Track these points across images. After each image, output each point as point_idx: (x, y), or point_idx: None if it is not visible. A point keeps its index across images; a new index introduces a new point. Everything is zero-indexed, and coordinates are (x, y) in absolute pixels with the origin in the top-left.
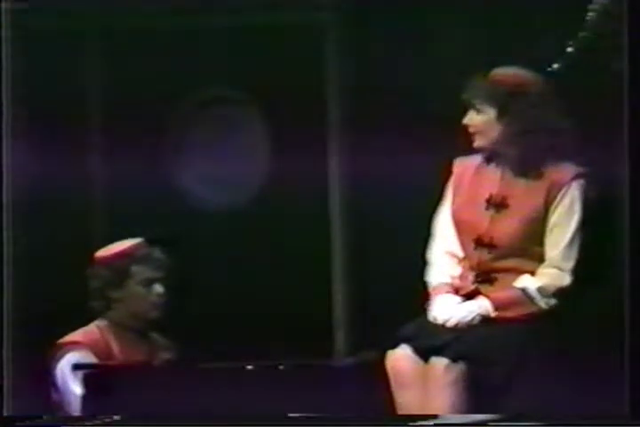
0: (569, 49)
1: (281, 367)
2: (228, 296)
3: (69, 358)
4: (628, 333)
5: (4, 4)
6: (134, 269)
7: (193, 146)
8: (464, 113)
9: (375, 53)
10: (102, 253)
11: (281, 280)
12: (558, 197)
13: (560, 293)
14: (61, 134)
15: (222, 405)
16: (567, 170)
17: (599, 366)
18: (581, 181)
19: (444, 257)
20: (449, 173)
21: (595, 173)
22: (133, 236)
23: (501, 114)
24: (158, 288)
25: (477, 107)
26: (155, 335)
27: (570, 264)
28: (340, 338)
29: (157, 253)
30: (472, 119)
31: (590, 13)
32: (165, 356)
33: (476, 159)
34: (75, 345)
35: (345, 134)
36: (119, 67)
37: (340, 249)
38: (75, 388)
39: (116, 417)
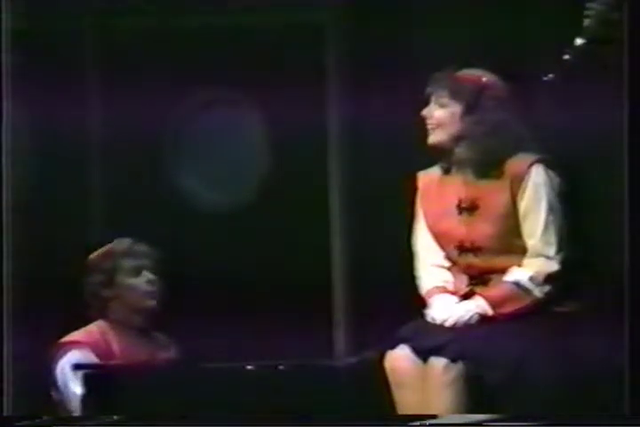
0: (566, 56)
1: (281, 367)
2: (227, 296)
3: (69, 358)
4: (627, 332)
5: None
6: (120, 263)
7: (193, 145)
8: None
9: (375, 53)
10: (89, 258)
11: (281, 280)
12: (522, 187)
13: (551, 279)
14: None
15: (222, 405)
16: (524, 159)
17: (599, 366)
18: (540, 166)
19: (432, 269)
20: (414, 188)
21: (553, 156)
22: (133, 235)
23: (467, 111)
24: (148, 275)
25: (442, 101)
26: (156, 334)
27: (553, 249)
28: (340, 338)
29: (139, 245)
30: (434, 112)
31: (588, 19)
32: (166, 355)
33: (437, 170)
34: (75, 345)
35: (345, 135)
36: (118, 67)
37: (340, 250)
38: (75, 388)
39: (115, 417)
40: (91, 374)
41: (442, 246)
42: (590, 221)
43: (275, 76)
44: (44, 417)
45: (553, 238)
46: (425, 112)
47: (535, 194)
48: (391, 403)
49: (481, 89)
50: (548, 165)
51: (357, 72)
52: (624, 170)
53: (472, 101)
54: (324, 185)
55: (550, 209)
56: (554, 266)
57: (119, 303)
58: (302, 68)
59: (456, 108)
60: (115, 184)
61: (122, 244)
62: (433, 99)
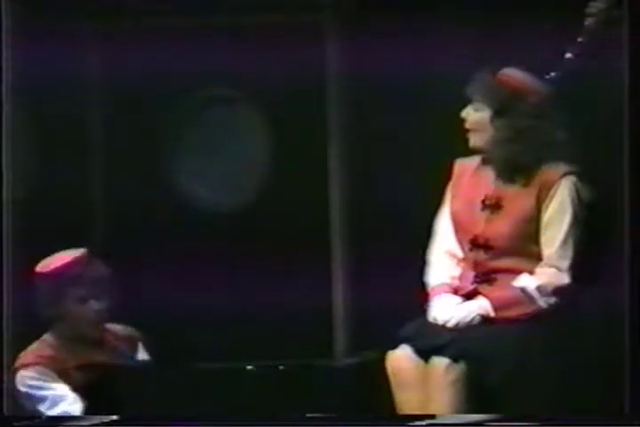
0: (568, 55)
1: (281, 367)
2: (228, 297)
3: (25, 378)
4: (627, 333)
5: None
6: (67, 288)
7: (192, 145)
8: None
9: (375, 54)
10: (41, 268)
11: (281, 280)
12: (549, 196)
13: (559, 291)
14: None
15: (222, 405)
16: (557, 169)
17: (599, 366)
18: (571, 179)
19: (444, 257)
20: (450, 174)
21: (586, 170)
22: (133, 237)
23: (496, 116)
24: (94, 305)
25: (477, 104)
26: (113, 335)
27: (567, 262)
28: (340, 338)
29: (94, 269)
30: (469, 115)
31: (589, 18)
32: (124, 360)
33: (476, 160)
34: (28, 367)
35: (345, 138)
36: (118, 65)
37: (340, 249)
38: (41, 405)
39: (115, 417)
40: (87, 375)
41: (458, 236)
42: (614, 237)
43: (274, 76)
44: (44, 417)
45: (569, 252)
46: (464, 114)
47: (561, 205)
48: (392, 403)
49: (513, 94)
50: (580, 177)
51: (357, 73)
52: (624, 171)
53: (502, 106)
54: (325, 188)
55: (574, 222)
56: (564, 279)
57: (63, 324)
58: (302, 68)
59: (487, 113)
60: (115, 186)
61: (75, 266)
62: (470, 102)
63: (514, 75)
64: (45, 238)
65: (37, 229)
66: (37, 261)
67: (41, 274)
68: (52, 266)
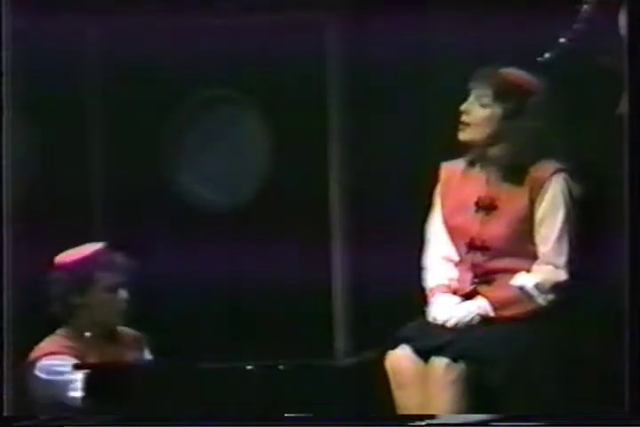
0: (562, 40)
1: (281, 367)
2: (228, 296)
3: (49, 365)
4: (627, 332)
5: None
6: (98, 275)
7: (193, 146)
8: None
9: (375, 53)
10: (64, 258)
11: (282, 280)
12: (541, 194)
13: (557, 288)
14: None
15: (222, 405)
16: (547, 167)
17: (599, 366)
18: (562, 176)
19: (440, 262)
20: (436, 178)
21: (576, 167)
22: (132, 237)
23: (507, 114)
24: (123, 294)
25: (484, 100)
26: (123, 335)
27: (563, 259)
28: (340, 338)
29: (120, 258)
30: (472, 110)
31: (585, 5)
32: (136, 356)
33: (462, 163)
34: (53, 355)
35: (345, 138)
36: (118, 66)
37: (340, 249)
38: (73, 392)
39: (116, 417)
40: (91, 375)
41: (453, 240)
42: (607, 233)
43: (275, 75)
44: (44, 417)
45: (565, 248)
46: (464, 107)
47: (553, 202)
48: (392, 403)
49: (525, 93)
50: (571, 175)
51: (357, 72)
52: (624, 172)
53: (514, 105)
54: (326, 191)
55: (567, 219)
56: (561, 276)
57: (86, 314)
58: (302, 68)
59: (497, 110)
60: (115, 186)
61: (104, 254)
62: (474, 96)
63: (516, 72)
64: (45, 238)
65: (37, 229)
66: (37, 261)
67: (67, 263)
68: (81, 254)
